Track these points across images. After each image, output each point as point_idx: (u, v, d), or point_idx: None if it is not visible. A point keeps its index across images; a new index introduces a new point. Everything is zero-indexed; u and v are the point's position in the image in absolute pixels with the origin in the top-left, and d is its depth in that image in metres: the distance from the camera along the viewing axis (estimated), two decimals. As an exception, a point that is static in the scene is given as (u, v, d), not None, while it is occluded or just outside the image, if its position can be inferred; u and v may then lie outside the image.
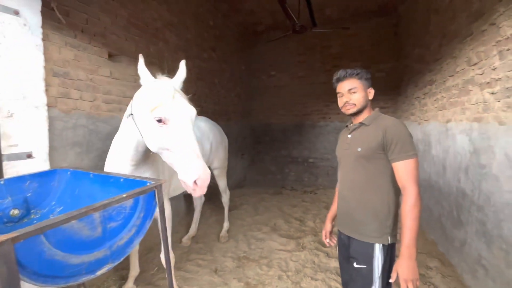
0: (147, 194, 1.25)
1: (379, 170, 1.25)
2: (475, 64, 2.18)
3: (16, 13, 1.53)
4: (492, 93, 1.92)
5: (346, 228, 1.36)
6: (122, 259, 1.13)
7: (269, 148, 6.29)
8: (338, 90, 1.37)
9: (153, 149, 1.38)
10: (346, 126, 1.46)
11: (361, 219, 1.28)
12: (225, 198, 3.33)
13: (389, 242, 1.24)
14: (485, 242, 1.96)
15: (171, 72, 3.63)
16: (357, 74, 1.31)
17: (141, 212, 1.22)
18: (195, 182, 1.21)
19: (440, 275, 2.35)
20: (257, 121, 6.40)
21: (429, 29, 3.31)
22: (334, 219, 1.60)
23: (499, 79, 1.83)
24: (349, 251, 1.34)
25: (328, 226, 1.61)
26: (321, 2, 4.51)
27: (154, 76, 1.42)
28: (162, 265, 2.23)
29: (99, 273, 1.03)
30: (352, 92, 1.31)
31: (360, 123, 1.33)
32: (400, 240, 1.17)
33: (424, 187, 3.33)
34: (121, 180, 1.41)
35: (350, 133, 1.36)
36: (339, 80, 1.36)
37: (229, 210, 3.92)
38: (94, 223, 1.01)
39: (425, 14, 3.44)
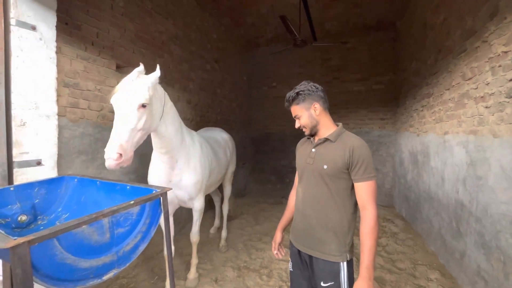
0: (153, 201, 1.29)
1: (341, 189, 1.24)
2: (469, 79, 2.26)
3: (33, 28, 1.63)
4: (486, 107, 1.98)
5: (306, 246, 1.31)
6: (127, 264, 1.17)
7: (269, 158, 6.33)
8: None
9: None
10: (308, 138, 1.42)
11: (321, 238, 1.26)
12: (227, 206, 3.44)
13: (348, 259, 1.24)
14: (484, 253, 1.98)
15: (175, 82, 3.72)
16: (293, 100, 1.30)
17: (147, 219, 1.26)
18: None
19: (441, 287, 2.34)
20: (257, 130, 6.47)
21: (425, 44, 3.42)
22: (285, 229, 1.56)
23: (493, 93, 1.90)
24: (313, 270, 1.29)
25: (278, 237, 1.54)
26: (321, 17, 4.67)
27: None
28: (162, 274, 2.23)
29: (105, 277, 1.07)
30: (297, 118, 1.33)
31: (326, 138, 1.29)
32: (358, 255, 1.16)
33: (424, 198, 3.35)
34: (128, 187, 1.46)
35: (314, 147, 1.32)
36: (286, 107, 1.38)
37: (229, 219, 3.92)
38: (103, 228, 1.05)
39: (422, 30, 3.57)
